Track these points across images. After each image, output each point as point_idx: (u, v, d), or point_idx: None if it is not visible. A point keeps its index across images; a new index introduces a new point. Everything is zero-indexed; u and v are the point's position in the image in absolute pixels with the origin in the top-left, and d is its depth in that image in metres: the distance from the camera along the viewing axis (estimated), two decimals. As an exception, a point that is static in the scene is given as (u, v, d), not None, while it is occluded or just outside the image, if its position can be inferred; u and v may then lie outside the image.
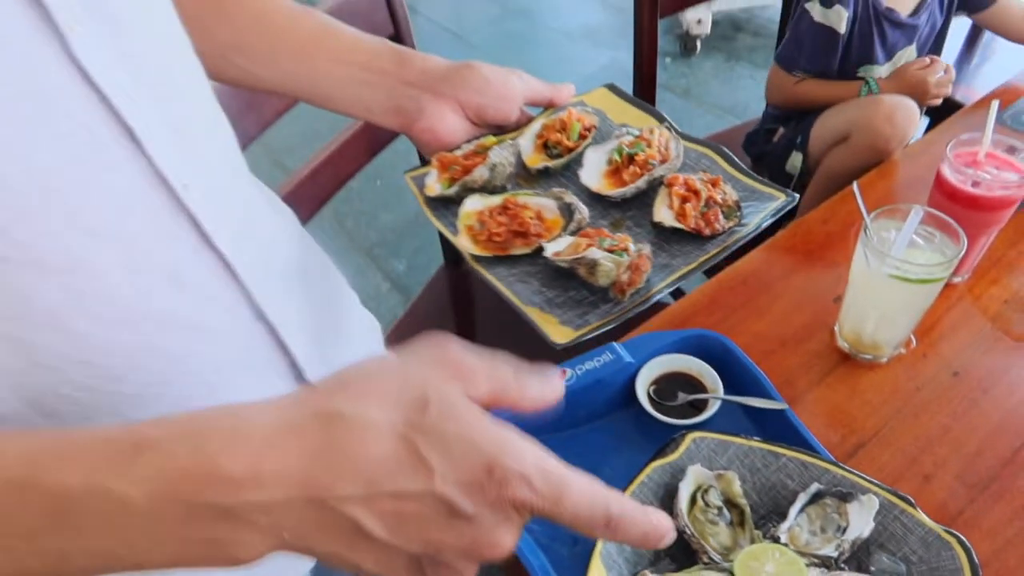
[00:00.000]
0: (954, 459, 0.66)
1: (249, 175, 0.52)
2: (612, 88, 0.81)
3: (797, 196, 0.66)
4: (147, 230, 0.38)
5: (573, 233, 0.65)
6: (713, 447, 0.60)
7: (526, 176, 0.72)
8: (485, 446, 0.32)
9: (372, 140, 1.03)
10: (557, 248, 0.63)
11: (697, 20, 2.80)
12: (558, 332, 0.59)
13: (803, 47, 1.21)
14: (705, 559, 0.54)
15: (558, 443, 0.68)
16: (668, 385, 0.71)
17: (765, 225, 0.64)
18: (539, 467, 0.33)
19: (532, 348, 1.14)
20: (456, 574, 0.34)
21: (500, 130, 0.73)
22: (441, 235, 1.24)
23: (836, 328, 0.76)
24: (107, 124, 0.36)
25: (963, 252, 0.64)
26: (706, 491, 0.58)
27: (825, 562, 0.53)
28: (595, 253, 0.59)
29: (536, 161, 0.72)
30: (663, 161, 0.69)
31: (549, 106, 0.76)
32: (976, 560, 0.51)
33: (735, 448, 0.60)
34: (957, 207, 0.74)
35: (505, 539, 0.34)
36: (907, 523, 0.55)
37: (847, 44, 1.17)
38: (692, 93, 2.70)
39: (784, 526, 0.55)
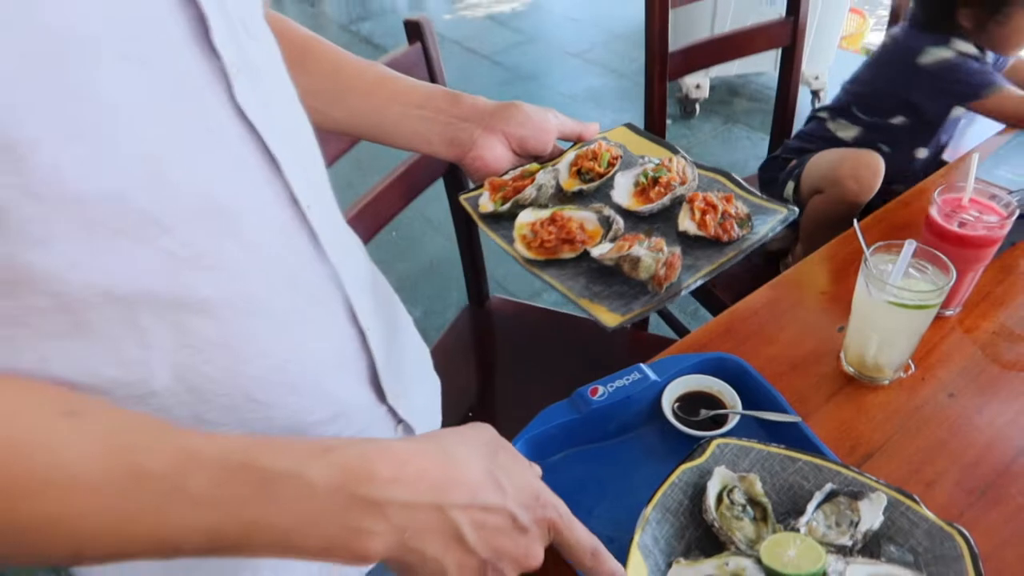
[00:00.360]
0: (953, 469, 0.72)
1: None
2: (630, 127, 0.91)
3: (797, 210, 0.75)
4: (278, 240, 0.46)
5: (612, 239, 0.73)
6: (736, 452, 0.67)
7: (563, 198, 0.81)
8: (533, 482, 0.48)
9: (409, 187, 1.12)
10: (601, 251, 0.71)
11: (696, 85, 2.95)
12: (608, 317, 0.66)
13: (973, 74, 1.27)
14: (732, 549, 0.60)
15: (593, 453, 0.76)
16: (691, 402, 0.77)
17: (773, 234, 0.72)
18: (561, 503, 0.50)
19: (552, 379, 1.20)
20: None
21: (537, 160, 0.82)
22: (466, 278, 1.33)
23: (841, 354, 0.84)
24: (256, 155, 0.44)
25: (953, 281, 0.72)
26: (731, 491, 0.65)
27: (841, 550, 0.59)
28: (638, 251, 0.68)
29: (572, 185, 0.81)
30: (683, 183, 0.78)
31: (578, 140, 0.85)
32: (976, 549, 0.58)
33: (755, 453, 0.67)
34: (946, 246, 0.82)
35: (540, 552, 0.47)
36: (913, 518, 0.61)
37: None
38: (693, 152, 2.81)
39: (803, 520, 0.61)
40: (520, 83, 3.49)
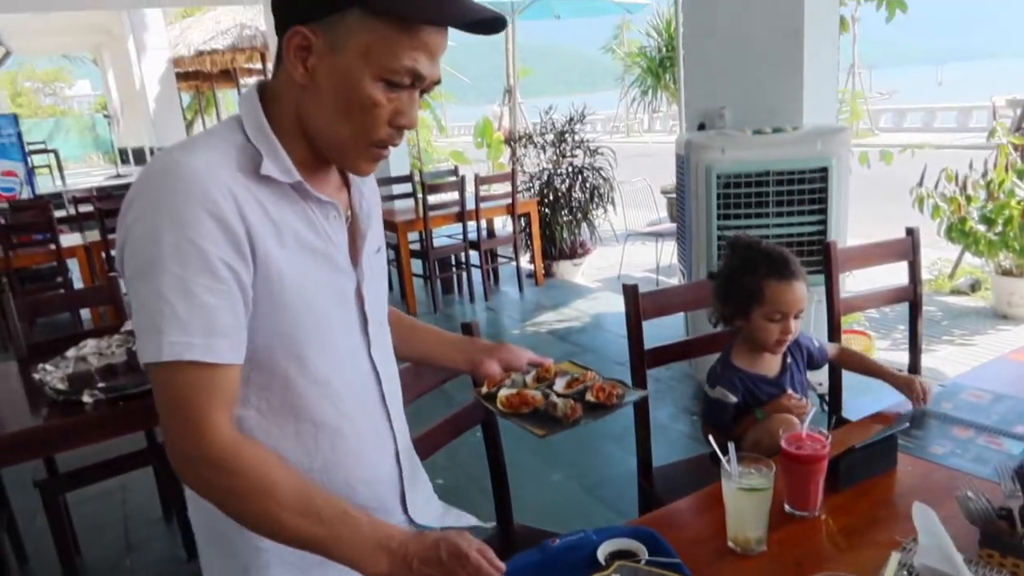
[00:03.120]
0: (785, 602, 1.09)
1: None
2: (572, 362, 1.43)
3: (647, 392, 1.30)
4: (369, 408, 1.04)
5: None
6: (631, 571, 1.08)
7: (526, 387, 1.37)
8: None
9: (454, 427, 1.65)
10: (538, 406, 1.26)
11: (717, 387, 3.50)
12: (540, 432, 1.18)
13: (715, 412, 1.76)
14: (616, 617, 1.00)
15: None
16: (617, 555, 1.19)
17: (625, 403, 1.27)
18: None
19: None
20: None
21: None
22: (496, 499, 1.78)
23: (727, 536, 1.24)
24: (372, 379, 1.05)
25: (773, 473, 1.17)
26: (623, 590, 1.05)
27: (678, 617, 0.98)
28: (554, 399, 1.24)
29: (533, 386, 1.33)
30: (586, 381, 1.32)
31: (540, 365, 1.38)
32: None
33: (642, 571, 1.08)
34: (793, 464, 1.27)
35: None
36: (729, 606, 0.99)
37: (744, 398, 1.74)
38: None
39: (661, 604, 1.01)
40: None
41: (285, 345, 0.97)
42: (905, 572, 1.01)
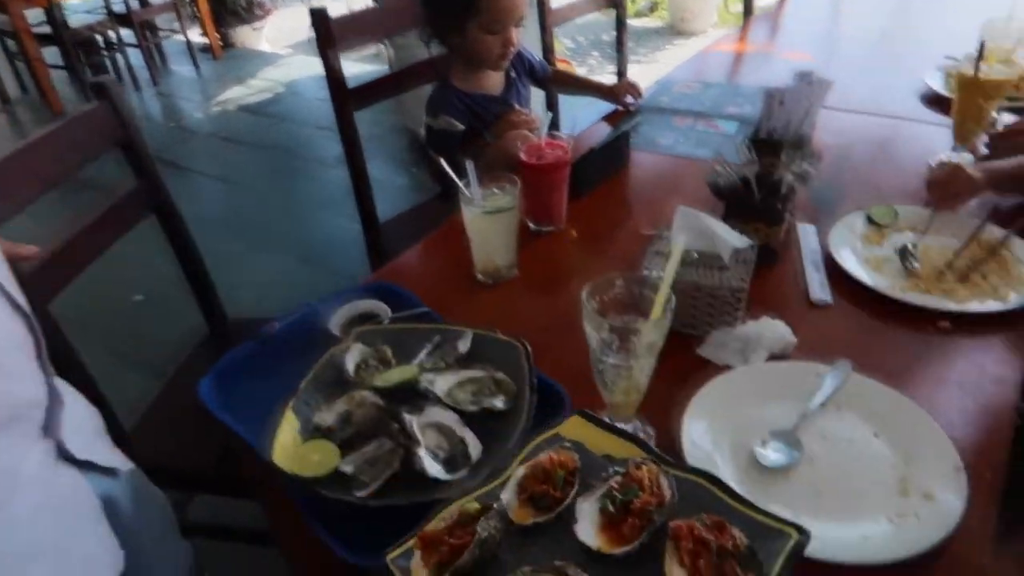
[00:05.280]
0: (527, 314, 1.01)
1: None
2: (585, 415, 0.71)
3: (809, 532, 0.56)
4: None
5: None
6: (372, 335, 0.88)
7: (517, 534, 0.61)
8: None
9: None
10: None
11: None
12: None
13: (437, 145, 1.50)
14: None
15: (277, 383, 0.92)
16: (354, 321, 0.97)
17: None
18: None
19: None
20: None
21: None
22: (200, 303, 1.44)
23: (474, 269, 1.09)
24: None
25: (518, 189, 1.00)
26: (367, 359, 0.85)
27: (437, 370, 0.81)
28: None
29: (525, 517, 0.61)
30: (659, 504, 0.59)
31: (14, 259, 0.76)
32: (528, 348, 0.82)
33: (388, 332, 0.88)
34: (535, 175, 1.12)
35: None
36: (488, 340, 0.84)
37: (471, 123, 1.52)
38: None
39: (414, 361, 0.83)
40: (279, 157, 3.70)
41: None
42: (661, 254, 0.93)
